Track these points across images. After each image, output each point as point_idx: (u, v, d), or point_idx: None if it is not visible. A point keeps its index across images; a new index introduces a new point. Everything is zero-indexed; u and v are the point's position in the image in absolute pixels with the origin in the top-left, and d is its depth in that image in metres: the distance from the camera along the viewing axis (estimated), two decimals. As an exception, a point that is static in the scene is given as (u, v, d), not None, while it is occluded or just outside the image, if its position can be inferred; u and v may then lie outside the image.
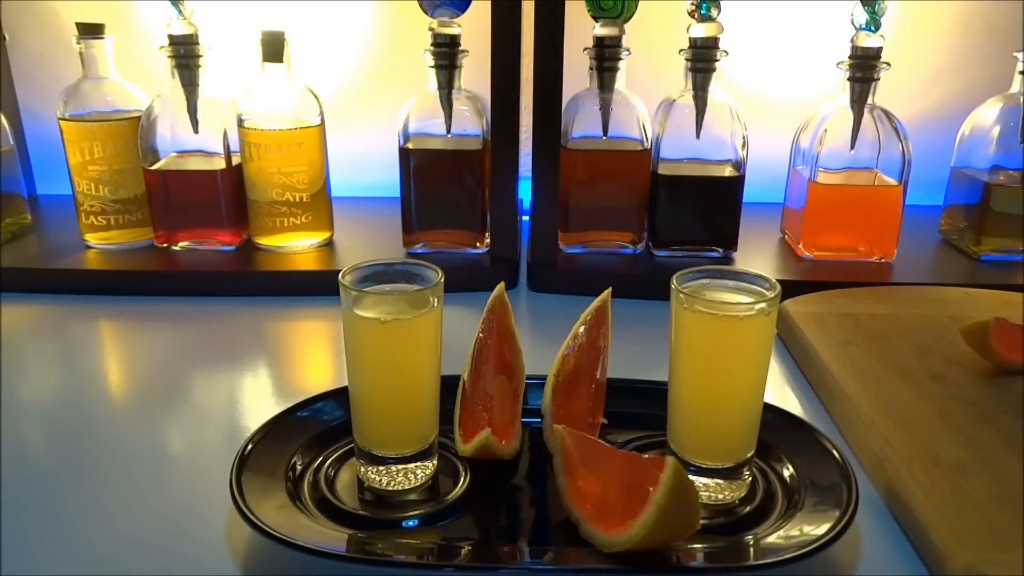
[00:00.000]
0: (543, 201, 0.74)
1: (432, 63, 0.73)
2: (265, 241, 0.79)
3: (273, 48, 0.74)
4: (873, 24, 0.72)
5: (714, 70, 0.73)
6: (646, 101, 0.76)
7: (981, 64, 0.91)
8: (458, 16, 0.72)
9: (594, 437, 0.46)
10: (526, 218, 0.83)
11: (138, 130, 0.76)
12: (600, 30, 0.73)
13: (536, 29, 0.69)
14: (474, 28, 0.73)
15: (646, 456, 0.41)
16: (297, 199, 0.77)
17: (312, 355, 0.67)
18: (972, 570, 0.37)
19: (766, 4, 0.90)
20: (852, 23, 0.73)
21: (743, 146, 0.74)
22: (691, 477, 0.37)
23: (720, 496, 0.43)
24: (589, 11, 0.73)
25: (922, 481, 0.43)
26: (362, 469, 0.45)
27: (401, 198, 0.77)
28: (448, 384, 0.46)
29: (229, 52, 0.82)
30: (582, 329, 0.49)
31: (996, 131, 0.77)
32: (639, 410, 0.50)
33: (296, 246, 0.79)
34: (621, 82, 0.75)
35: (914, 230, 0.82)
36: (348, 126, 0.95)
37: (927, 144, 0.87)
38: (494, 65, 0.70)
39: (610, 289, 0.51)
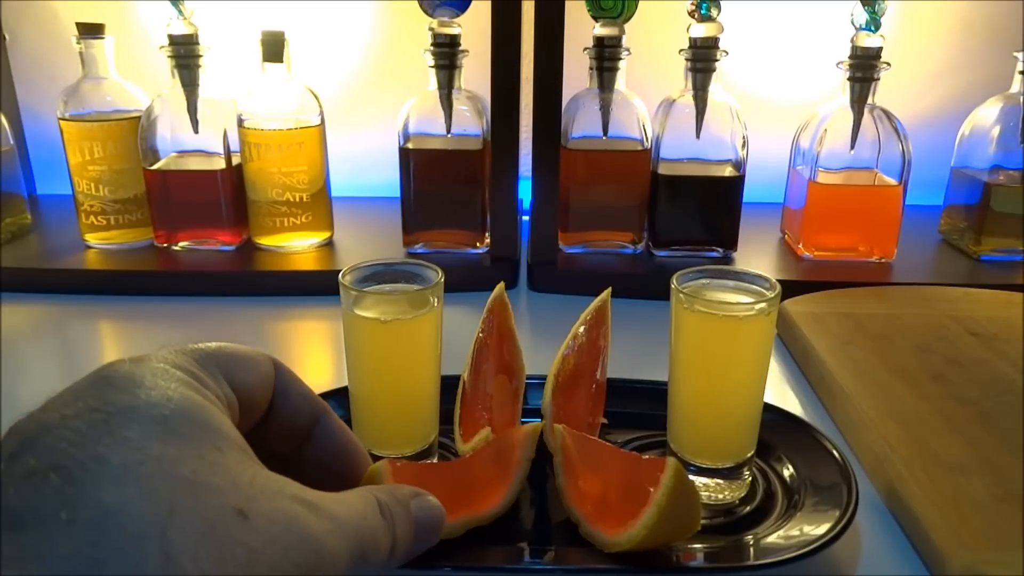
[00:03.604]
0: (543, 201, 0.74)
1: (432, 63, 0.73)
2: (265, 241, 0.79)
3: (273, 48, 0.74)
4: (873, 24, 0.72)
5: (714, 70, 0.73)
6: (646, 101, 0.76)
7: (981, 64, 0.91)
8: (458, 16, 0.72)
9: (594, 437, 0.46)
10: (526, 218, 0.83)
11: (138, 130, 0.76)
12: (600, 30, 0.73)
13: (536, 29, 0.69)
14: (474, 28, 0.73)
15: (646, 456, 0.41)
16: (297, 199, 0.77)
17: (312, 355, 0.67)
18: (972, 570, 0.37)
19: (766, 4, 0.90)
20: (852, 23, 0.73)
21: (743, 146, 0.74)
22: (691, 477, 0.37)
23: (720, 496, 0.43)
24: (589, 11, 0.73)
25: (922, 481, 0.43)
26: (362, 469, 0.45)
27: (401, 198, 0.77)
28: (448, 384, 0.46)
29: (229, 52, 0.82)
30: (582, 329, 0.49)
31: (996, 131, 0.77)
32: (639, 410, 0.50)
33: (296, 246, 0.79)
34: (621, 82, 0.75)
35: (914, 230, 0.82)
36: (348, 126, 0.95)
37: (927, 144, 0.87)
38: (494, 65, 0.70)
39: (610, 289, 0.51)
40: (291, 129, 0.76)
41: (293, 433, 0.30)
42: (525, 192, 0.81)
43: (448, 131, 0.75)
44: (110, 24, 0.77)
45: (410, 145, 0.76)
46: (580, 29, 0.72)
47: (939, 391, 0.52)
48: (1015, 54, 0.76)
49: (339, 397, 0.49)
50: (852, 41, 0.73)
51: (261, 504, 0.21)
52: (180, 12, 0.73)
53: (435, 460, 0.46)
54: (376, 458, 0.44)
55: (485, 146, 0.75)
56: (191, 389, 0.23)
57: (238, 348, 0.27)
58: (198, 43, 0.74)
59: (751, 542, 0.40)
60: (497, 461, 0.41)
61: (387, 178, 0.82)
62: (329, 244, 0.81)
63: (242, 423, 0.26)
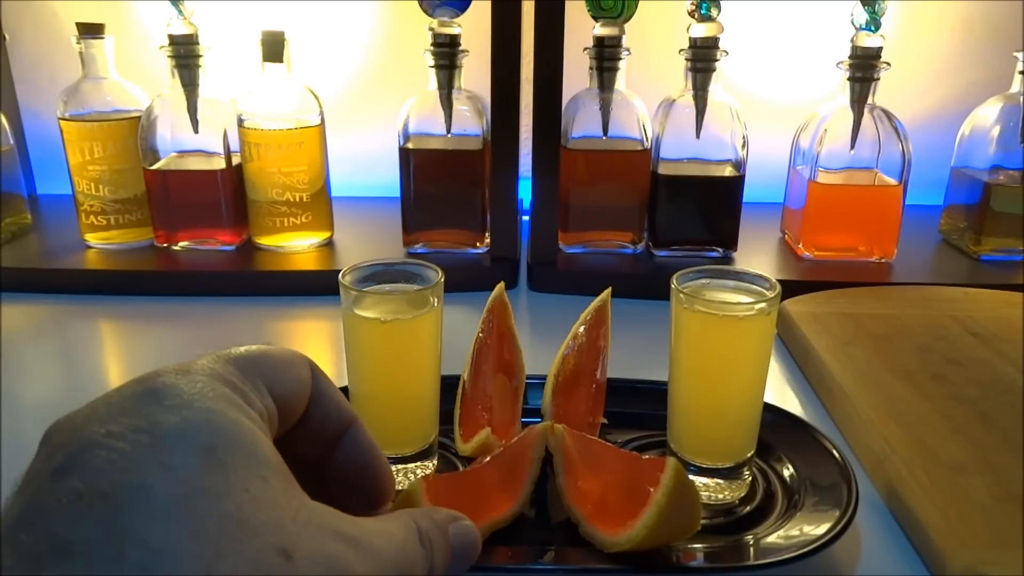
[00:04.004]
0: (543, 201, 0.74)
1: (432, 63, 0.73)
2: (265, 241, 0.79)
3: (273, 48, 0.74)
4: (873, 24, 0.72)
5: (714, 70, 0.73)
6: (646, 101, 0.76)
7: (981, 64, 0.91)
8: (458, 16, 0.72)
9: (594, 437, 0.46)
10: (526, 218, 0.83)
11: (138, 130, 0.76)
12: (600, 30, 0.73)
13: (536, 29, 0.69)
14: (474, 28, 0.73)
15: (646, 456, 0.41)
16: (297, 199, 0.77)
17: (312, 355, 0.66)
18: (972, 570, 0.37)
19: (766, 4, 0.90)
20: (852, 23, 0.73)
21: (743, 146, 0.74)
22: (691, 477, 0.37)
23: (720, 496, 0.43)
24: (589, 11, 0.73)
25: (922, 481, 0.43)
26: (362, 469, 0.45)
27: (401, 198, 0.77)
28: (448, 384, 0.46)
29: (229, 52, 0.82)
30: (582, 329, 0.50)
31: (996, 131, 0.77)
32: (639, 410, 0.50)
33: (296, 246, 0.79)
34: (621, 82, 0.75)
35: (914, 230, 0.82)
36: (348, 126, 0.94)
37: (927, 144, 0.87)
38: (494, 65, 0.70)
39: (610, 289, 0.51)
40: (291, 129, 0.76)
41: (321, 439, 0.30)
42: (525, 192, 0.81)
43: (448, 131, 0.75)
44: (110, 24, 0.77)
45: (410, 145, 0.76)
46: (580, 29, 0.72)
47: (939, 391, 0.52)
48: (1015, 54, 0.76)
49: (339, 397, 0.49)
50: (852, 41, 0.73)
51: (304, 542, 0.21)
52: (180, 12, 0.73)
53: (435, 460, 0.46)
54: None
55: (485, 146, 0.75)
56: (237, 410, 0.23)
57: (279, 353, 0.27)
58: (198, 43, 0.74)
59: (751, 542, 0.40)
60: (512, 463, 0.41)
61: (387, 178, 0.82)
62: (329, 244, 0.81)
63: (278, 431, 0.26)
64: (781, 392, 0.58)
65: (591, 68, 0.75)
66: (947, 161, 0.83)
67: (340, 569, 0.22)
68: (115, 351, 0.67)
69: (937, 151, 0.87)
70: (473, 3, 0.72)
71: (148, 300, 0.73)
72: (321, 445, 0.30)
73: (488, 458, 0.41)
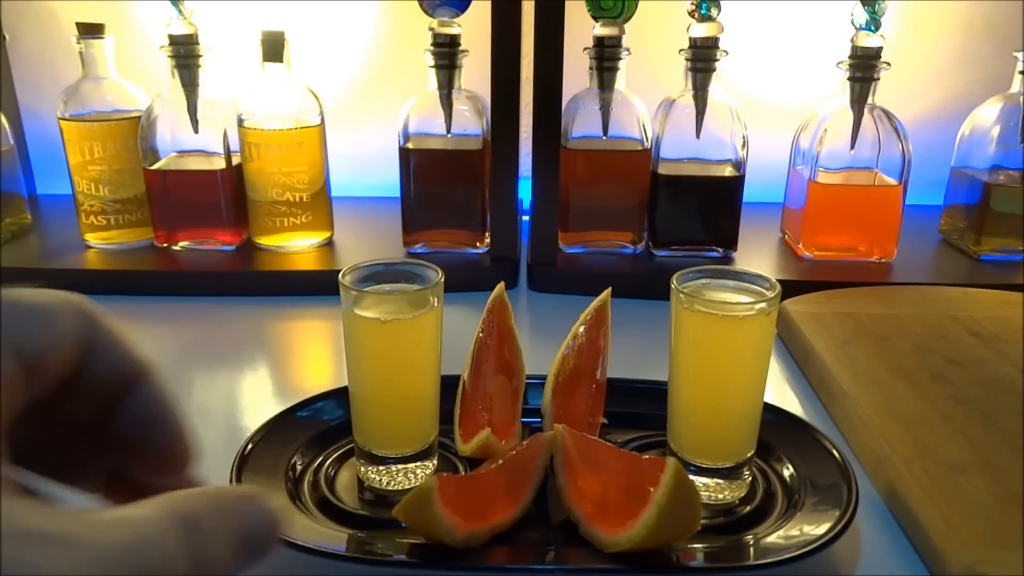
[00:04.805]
0: (543, 201, 0.74)
1: (432, 63, 0.73)
2: (265, 241, 0.79)
3: (273, 48, 0.74)
4: (873, 24, 0.72)
5: (714, 70, 0.73)
6: (646, 101, 0.76)
7: (981, 64, 0.91)
8: (458, 16, 0.72)
9: (594, 437, 0.46)
10: (526, 218, 0.83)
11: (138, 130, 0.76)
12: (600, 30, 0.73)
13: (536, 29, 0.69)
14: (474, 28, 0.73)
15: (646, 456, 0.41)
16: (297, 199, 0.77)
17: (312, 355, 0.67)
18: (972, 570, 0.37)
19: (766, 4, 0.90)
20: (852, 23, 0.73)
21: (743, 146, 0.74)
22: (691, 477, 0.37)
23: (720, 496, 0.43)
24: (589, 11, 0.73)
25: (922, 481, 0.43)
26: (362, 469, 0.45)
27: (401, 198, 0.77)
28: (448, 384, 0.46)
29: (229, 52, 0.82)
30: (582, 329, 0.50)
31: (996, 131, 0.77)
32: (639, 410, 0.50)
33: (296, 246, 0.79)
34: (621, 82, 0.75)
35: (914, 230, 0.82)
36: (348, 126, 0.94)
37: (927, 144, 0.87)
38: (494, 65, 0.70)
39: (610, 289, 0.51)
40: (291, 129, 0.76)
41: (97, 397, 0.25)
42: (525, 192, 0.81)
43: (448, 131, 0.75)
44: (110, 24, 0.76)
45: (410, 145, 0.76)
46: (580, 29, 0.72)
47: (939, 391, 0.52)
48: (1015, 54, 0.76)
49: (339, 397, 0.49)
50: (852, 41, 0.73)
51: None
52: (180, 12, 0.73)
53: (435, 460, 0.46)
54: (374, 457, 0.44)
55: (485, 146, 0.75)
56: None
57: (32, 300, 0.23)
58: (198, 43, 0.74)
59: (751, 542, 0.40)
60: (519, 470, 0.41)
61: (387, 178, 0.82)
62: (329, 244, 0.81)
63: (28, 393, 0.22)
64: (781, 392, 0.58)
65: (591, 68, 0.75)
66: (947, 161, 0.83)
67: (27, 573, 0.18)
68: (115, 351, 0.67)
69: (937, 151, 0.87)
70: (473, 3, 0.72)
71: (148, 300, 0.73)
72: (97, 403, 0.25)
73: (501, 462, 0.41)
